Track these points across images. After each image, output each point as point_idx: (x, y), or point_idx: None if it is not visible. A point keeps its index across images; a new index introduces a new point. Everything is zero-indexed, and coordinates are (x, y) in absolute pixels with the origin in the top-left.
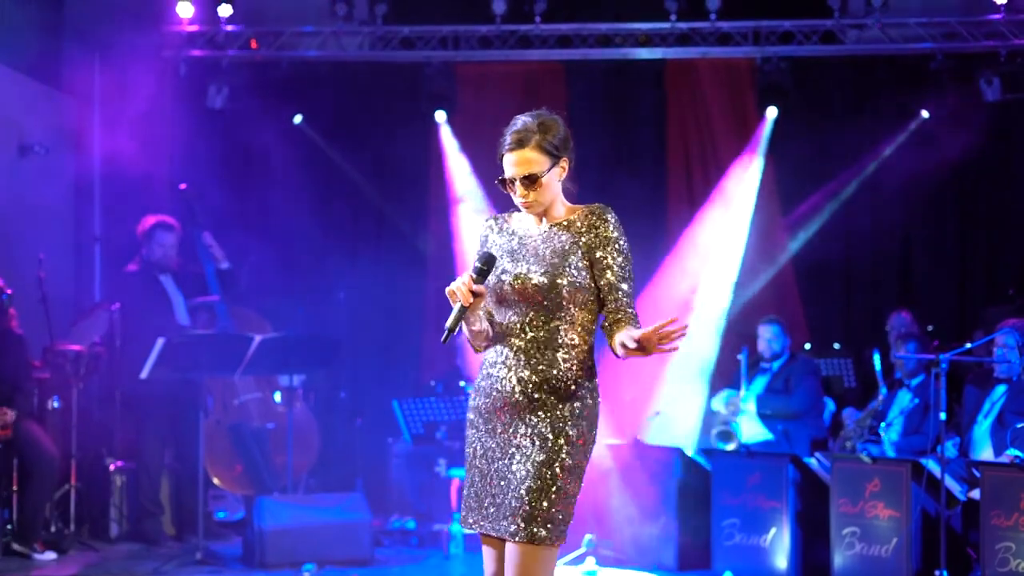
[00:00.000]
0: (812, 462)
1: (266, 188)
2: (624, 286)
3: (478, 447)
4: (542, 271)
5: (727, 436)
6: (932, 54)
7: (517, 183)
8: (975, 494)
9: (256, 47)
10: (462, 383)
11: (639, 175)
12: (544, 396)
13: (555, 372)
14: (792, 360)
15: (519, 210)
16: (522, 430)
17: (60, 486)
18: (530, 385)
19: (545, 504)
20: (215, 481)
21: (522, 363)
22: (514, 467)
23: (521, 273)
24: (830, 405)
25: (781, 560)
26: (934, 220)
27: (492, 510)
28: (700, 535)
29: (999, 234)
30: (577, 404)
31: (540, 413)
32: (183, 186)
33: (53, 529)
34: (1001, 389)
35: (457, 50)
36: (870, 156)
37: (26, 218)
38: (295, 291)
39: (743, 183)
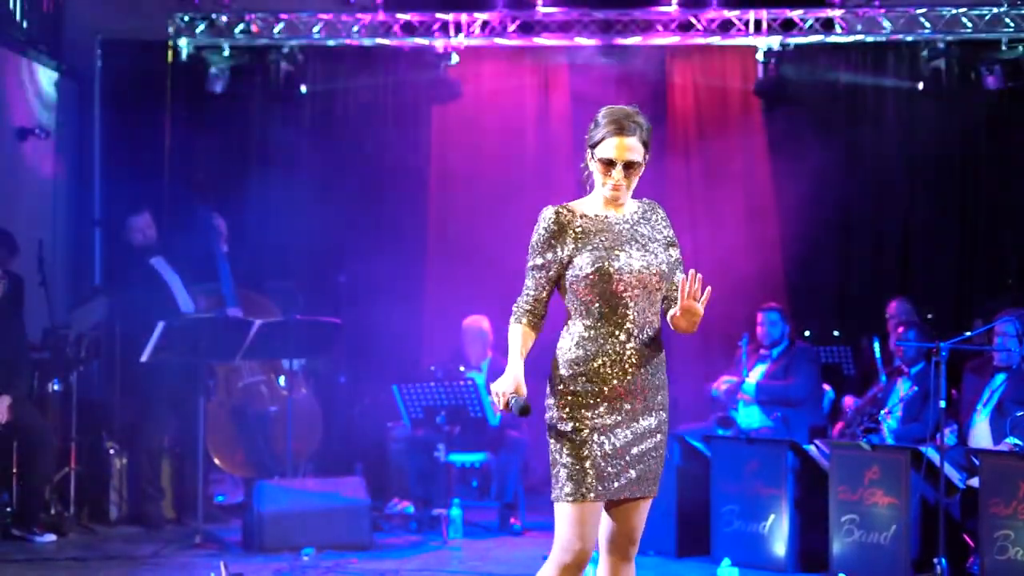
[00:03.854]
0: (811, 449)
1: (265, 172)
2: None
3: (599, 424)
4: (657, 258)
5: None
6: (933, 42)
7: (618, 167)
8: (974, 482)
9: (257, 32)
10: (461, 368)
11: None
12: (661, 373)
13: (659, 355)
14: (791, 347)
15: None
16: (642, 409)
17: (60, 469)
18: (658, 367)
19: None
20: (217, 463)
21: (640, 350)
22: (647, 441)
23: (639, 262)
24: (829, 393)
25: (780, 547)
26: (934, 208)
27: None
28: (699, 521)
29: (999, 222)
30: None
31: (655, 394)
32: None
33: (53, 512)
34: (1001, 377)
35: (458, 36)
36: (871, 144)
37: (26, 201)
38: (295, 275)
39: (742, 169)
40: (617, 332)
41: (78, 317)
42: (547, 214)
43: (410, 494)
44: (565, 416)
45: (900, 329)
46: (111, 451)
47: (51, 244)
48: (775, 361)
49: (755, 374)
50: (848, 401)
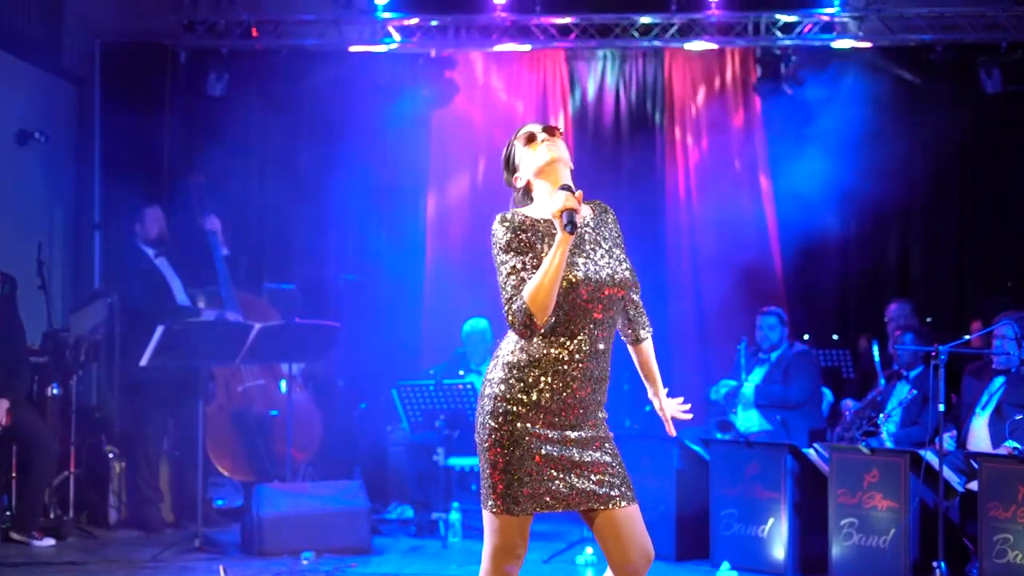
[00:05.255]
0: (810, 453)
1: (264, 175)
2: None
3: (534, 438)
4: (621, 265)
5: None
6: (932, 45)
7: (540, 135)
8: (973, 486)
9: (256, 35)
10: (461, 371)
11: (638, 163)
12: (603, 392)
13: (606, 372)
14: (790, 351)
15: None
16: (590, 421)
17: (59, 473)
18: (600, 385)
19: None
20: (216, 467)
21: (586, 364)
22: (587, 453)
23: (604, 269)
24: (828, 396)
25: (779, 550)
26: (933, 211)
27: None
28: (698, 525)
29: (998, 225)
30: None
31: (596, 409)
32: (198, 178)
33: (52, 516)
34: (999, 381)
35: (457, 40)
36: (869, 147)
37: (26, 204)
38: (295, 278)
39: (741, 171)
40: (567, 342)
41: (77, 320)
42: (497, 227)
43: (409, 498)
44: (496, 424)
45: (898, 332)
46: (110, 455)
47: (50, 247)
48: (774, 364)
49: (754, 377)
50: (847, 404)
